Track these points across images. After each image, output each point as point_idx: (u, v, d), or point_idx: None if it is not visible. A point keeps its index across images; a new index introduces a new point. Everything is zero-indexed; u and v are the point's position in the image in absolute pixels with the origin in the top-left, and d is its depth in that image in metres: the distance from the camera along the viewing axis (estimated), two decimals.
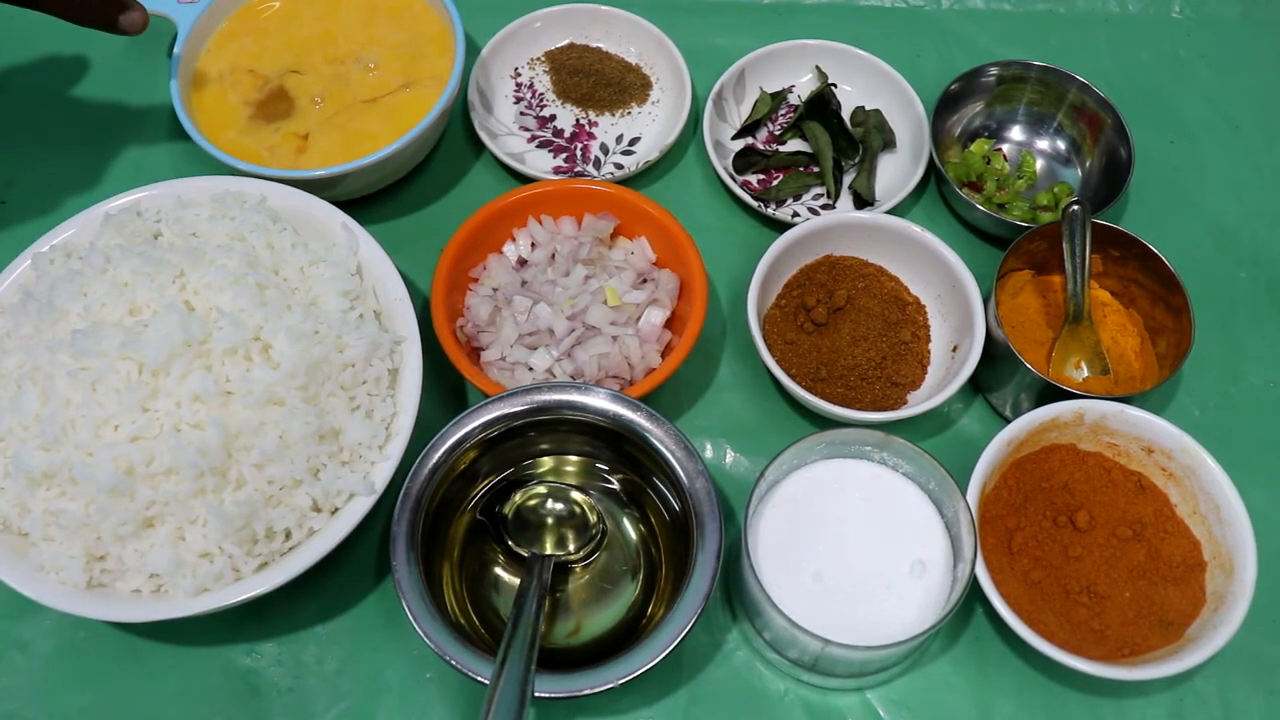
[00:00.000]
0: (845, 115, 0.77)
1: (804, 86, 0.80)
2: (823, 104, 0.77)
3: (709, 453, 0.67)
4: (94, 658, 0.60)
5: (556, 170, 0.75)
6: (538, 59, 0.81)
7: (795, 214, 0.74)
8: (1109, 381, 0.65)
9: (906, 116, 0.76)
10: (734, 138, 0.78)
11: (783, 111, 0.79)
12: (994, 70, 0.76)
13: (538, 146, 0.77)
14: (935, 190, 0.76)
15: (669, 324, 0.67)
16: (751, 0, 0.85)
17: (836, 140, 0.76)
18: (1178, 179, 0.76)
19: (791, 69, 0.79)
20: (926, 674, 0.59)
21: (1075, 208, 0.66)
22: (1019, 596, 0.57)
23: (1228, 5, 0.84)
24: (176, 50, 0.71)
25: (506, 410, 0.58)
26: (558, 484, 0.62)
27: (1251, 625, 0.55)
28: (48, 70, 0.80)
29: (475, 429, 0.58)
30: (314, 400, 0.57)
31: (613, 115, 0.78)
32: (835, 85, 0.79)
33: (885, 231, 0.69)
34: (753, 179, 0.76)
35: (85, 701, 0.59)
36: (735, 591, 0.60)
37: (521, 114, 0.78)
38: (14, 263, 0.61)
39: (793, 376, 0.64)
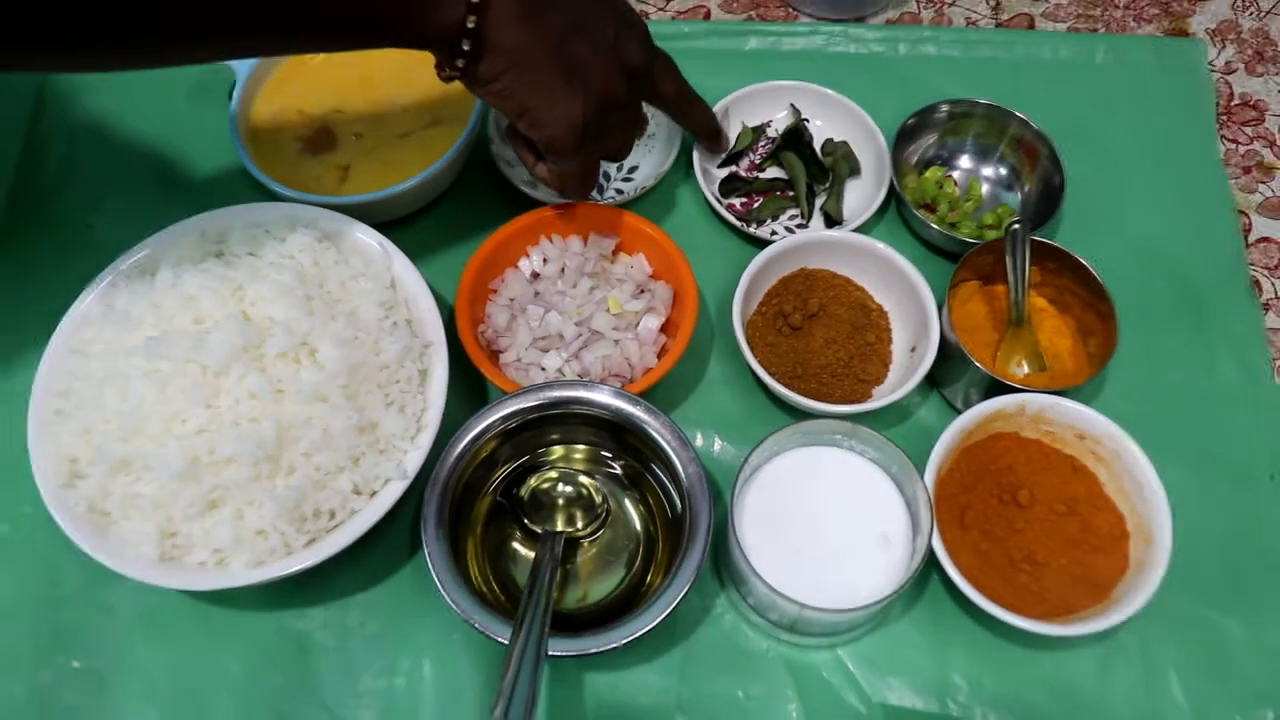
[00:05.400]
0: (817, 146, 0.78)
1: (780, 121, 0.80)
2: (797, 136, 0.77)
3: (699, 441, 0.67)
4: (168, 620, 0.60)
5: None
6: None
7: (774, 232, 0.74)
8: (1046, 377, 0.66)
9: (870, 147, 0.77)
10: (720, 166, 0.78)
11: (762, 143, 0.79)
12: (945, 107, 0.76)
13: None
14: (895, 211, 0.76)
15: (664, 329, 0.67)
16: (735, 48, 0.85)
17: (809, 168, 0.76)
18: (1104, 202, 0.76)
19: (770, 106, 0.80)
20: (890, 633, 0.60)
21: (1016, 226, 0.66)
22: (970, 565, 0.58)
23: (1143, 52, 0.84)
24: (236, 94, 0.72)
25: (522, 405, 0.59)
26: (567, 469, 0.63)
27: (1167, 586, 0.55)
28: (127, 115, 0.80)
29: (495, 421, 0.58)
30: (354, 397, 0.57)
31: None
32: (808, 120, 0.79)
33: (852, 248, 0.69)
34: (736, 202, 0.77)
35: (161, 659, 0.59)
36: (723, 562, 0.61)
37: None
38: (96, 279, 0.61)
39: (773, 374, 0.65)
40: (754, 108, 0.79)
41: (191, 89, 0.80)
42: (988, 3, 0.90)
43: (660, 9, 0.90)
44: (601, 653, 0.51)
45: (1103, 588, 0.57)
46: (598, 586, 0.60)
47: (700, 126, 0.71)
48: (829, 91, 0.78)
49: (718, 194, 0.76)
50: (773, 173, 0.78)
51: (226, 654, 0.59)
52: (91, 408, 0.55)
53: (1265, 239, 0.76)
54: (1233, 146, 0.81)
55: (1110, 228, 0.75)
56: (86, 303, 0.61)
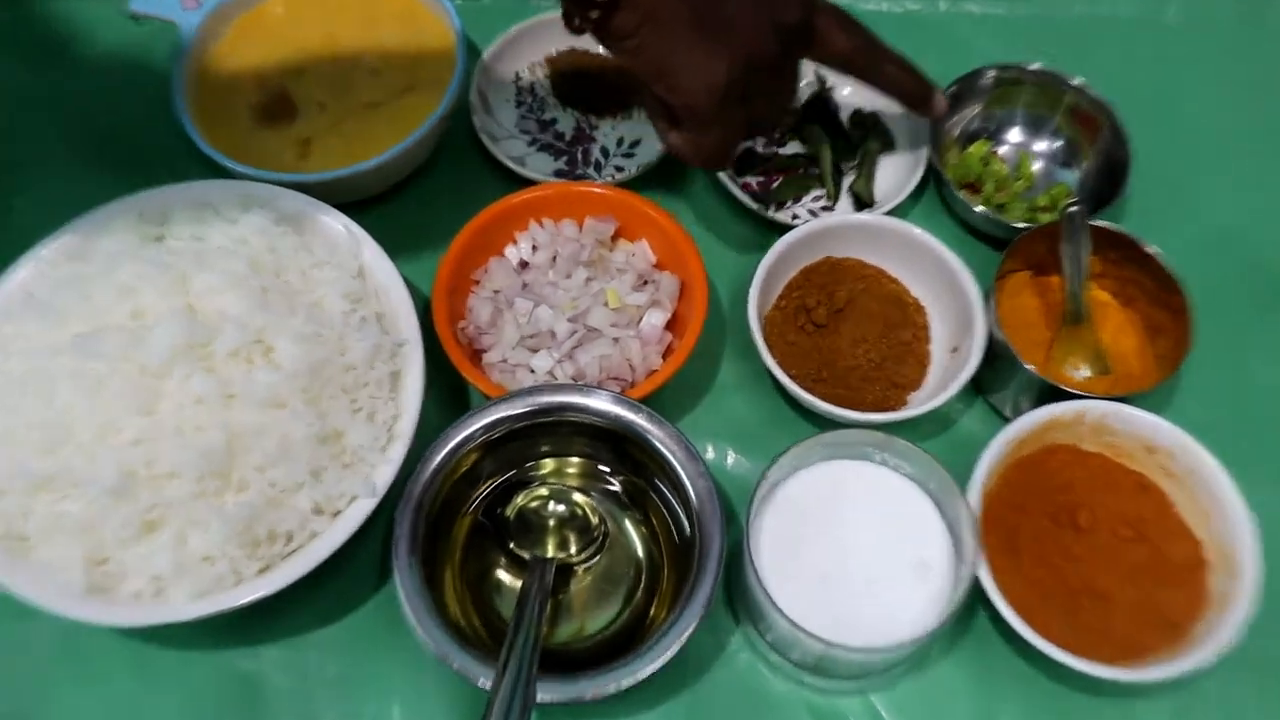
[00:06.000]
0: (844, 117, 0.76)
1: (803, 90, 0.78)
2: (822, 106, 0.76)
3: (710, 454, 0.65)
4: (95, 660, 0.58)
5: (557, 173, 0.74)
6: (538, 63, 0.79)
7: (795, 216, 0.72)
8: (1109, 381, 0.64)
9: (905, 119, 0.75)
10: None
11: None
12: (991, 73, 0.75)
13: (539, 149, 0.75)
14: (934, 192, 0.75)
15: (670, 326, 0.65)
16: None
17: (835, 143, 0.74)
18: (1176, 180, 0.75)
19: None
20: (929, 676, 0.58)
21: (1074, 209, 0.64)
22: (1021, 597, 0.56)
23: (1221, 8, 0.84)
24: (180, 55, 0.70)
25: (508, 412, 0.57)
26: (559, 486, 0.61)
27: (1254, 626, 0.53)
28: (51, 76, 0.79)
29: (477, 431, 0.57)
30: (316, 403, 0.56)
31: (613, 119, 0.77)
32: (833, 88, 0.77)
33: (885, 233, 0.68)
34: (753, 181, 0.75)
35: (86, 704, 0.58)
36: (737, 593, 0.59)
37: (523, 117, 0.77)
38: (14, 265, 0.60)
39: (793, 377, 0.63)
40: None
41: (128, 48, 0.79)
42: None
43: None
44: (598, 699, 0.50)
45: (1178, 626, 0.55)
46: (594, 621, 0.58)
47: (897, 89, 0.62)
48: None
49: (732, 172, 0.74)
50: (794, 148, 0.76)
51: (164, 700, 0.58)
52: (10, 414, 0.54)
53: None
54: None
55: (1183, 210, 0.74)
56: (5, 294, 0.60)
